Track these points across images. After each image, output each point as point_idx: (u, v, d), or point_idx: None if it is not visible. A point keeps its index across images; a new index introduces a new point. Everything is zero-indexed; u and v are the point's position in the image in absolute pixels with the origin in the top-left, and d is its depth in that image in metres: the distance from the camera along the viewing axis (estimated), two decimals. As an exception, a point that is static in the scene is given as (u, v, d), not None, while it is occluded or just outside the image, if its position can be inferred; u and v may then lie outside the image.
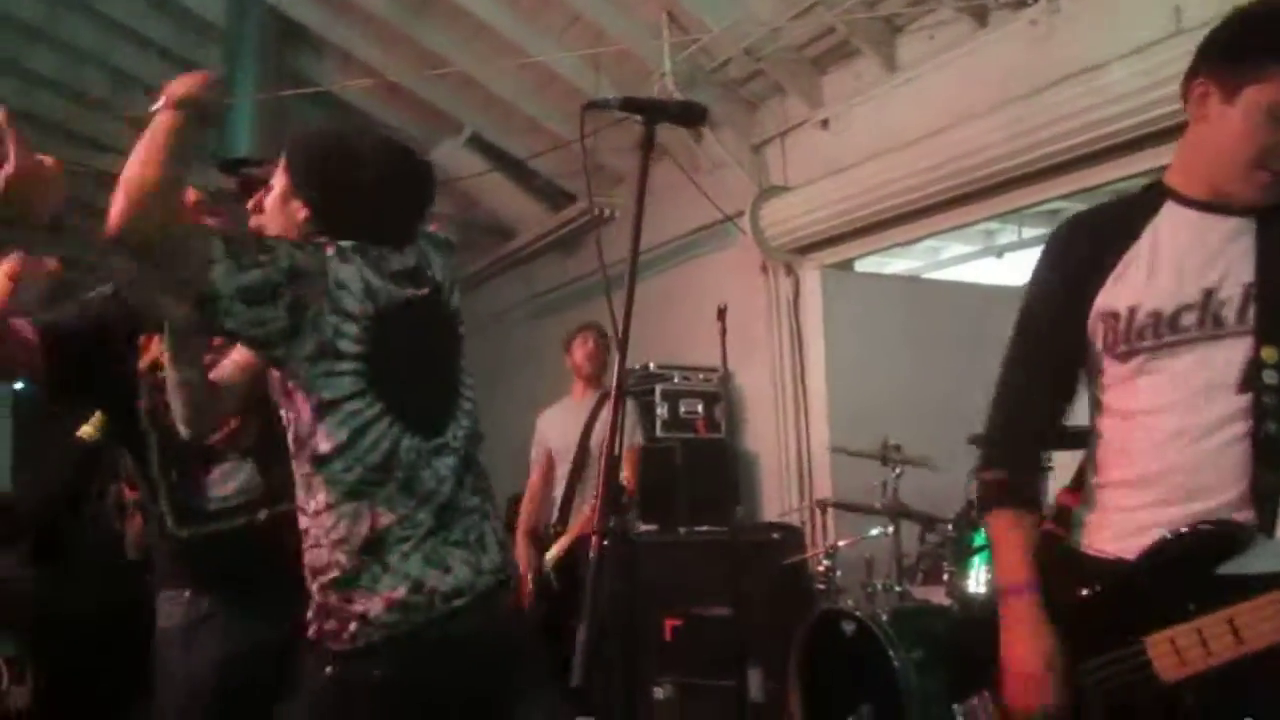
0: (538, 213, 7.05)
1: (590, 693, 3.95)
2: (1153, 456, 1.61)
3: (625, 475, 4.12)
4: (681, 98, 4.89)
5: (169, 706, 2.21)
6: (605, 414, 4.33)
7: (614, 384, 1.72)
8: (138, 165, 1.53)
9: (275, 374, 1.74)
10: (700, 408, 5.74)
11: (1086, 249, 1.71)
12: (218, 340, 2.13)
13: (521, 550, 4.58)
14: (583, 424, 4.59)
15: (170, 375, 1.97)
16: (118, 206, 1.50)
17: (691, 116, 1.93)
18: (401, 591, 1.66)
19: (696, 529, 5.28)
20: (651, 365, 5.77)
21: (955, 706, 1.75)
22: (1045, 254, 1.80)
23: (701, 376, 5.76)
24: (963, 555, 3.57)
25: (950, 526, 3.82)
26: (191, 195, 2.24)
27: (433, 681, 1.67)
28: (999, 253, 7.00)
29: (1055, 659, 1.63)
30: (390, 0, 5.62)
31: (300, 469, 1.71)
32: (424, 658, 1.66)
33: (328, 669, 1.67)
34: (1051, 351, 1.75)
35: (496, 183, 6.82)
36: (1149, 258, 1.64)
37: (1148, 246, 1.65)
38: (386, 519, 1.67)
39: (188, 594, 2.20)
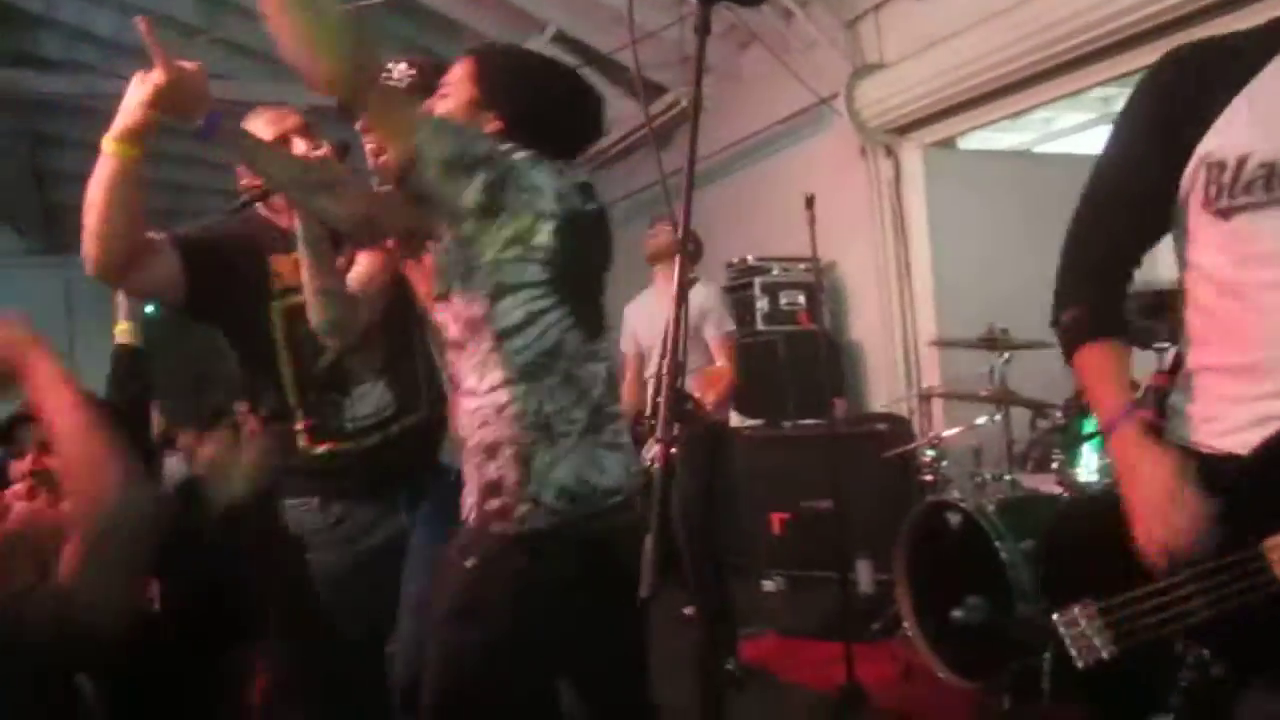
0: (629, 108, 6.90)
1: (700, 588, 4.01)
2: (1268, 338, 1.43)
3: (722, 365, 4.03)
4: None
5: (308, 608, 2.33)
6: (694, 297, 4.19)
7: (675, 286, 1.65)
8: (336, 42, 1.61)
9: (447, 260, 1.78)
10: (801, 299, 5.63)
11: (1192, 86, 1.50)
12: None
13: None
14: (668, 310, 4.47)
15: (309, 286, 2.08)
16: (308, 65, 1.59)
17: (750, -6, 1.81)
18: (571, 481, 1.72)
19: (801, 422, 5.23)
20: (750, 258, 5.66)
21: (1055, 617, 1.60)
22: (1141, 89, 1.59)
23: (802, 268, 5.62)
24: (1073, 442, 3.41)
25: (1060, 413, 3.66)
26: (294, 119, 2.34)
27: (580, 575, 1.71)
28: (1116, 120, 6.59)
29: (1185, 474, 1.45)
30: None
31: (473, 353, 1.76)
32: (582, 549, 1.71)
33: (470, 560, 1.69)
34: (1138, 193, 1.57)
35: (586, 80, 6.69)
36: (1266, 102, 1.43)
37: (1266, 89, 1.44)
38: (551, 405, 1.74)
39: (316, 501, 2.32)
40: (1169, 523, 1.45)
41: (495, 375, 1.74)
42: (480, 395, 1.76)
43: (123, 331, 3.22)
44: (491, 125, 1.81)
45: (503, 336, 1.74)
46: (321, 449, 2.31)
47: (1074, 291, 1.64)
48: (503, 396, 1.74)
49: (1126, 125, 1.61)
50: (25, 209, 7.83)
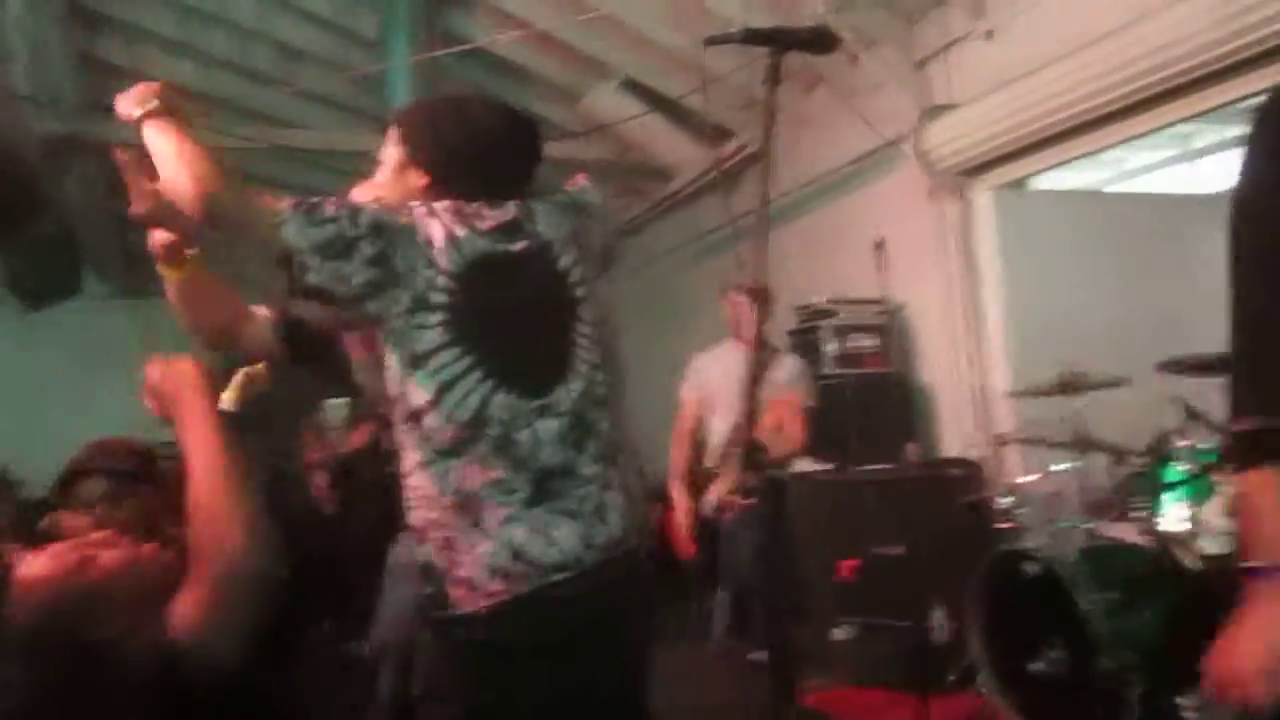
0: (695, 152, 6.94)
1: (771, 635, 3.95)
2: None
3: (786, 426, 4.00)
4: (833, 21, 4.68)
5: (385, 633, 2.62)
6: (772, 369, 4.21)
7: (752, 334, 1.65)
8: (169, 170, 1.67)
9: (367, 337, 1.79)
10: (870, 342, 5.56)
11: None
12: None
13: (677, 494, 4.54)
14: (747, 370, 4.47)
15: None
16: (183, 199, 1.63)
17: (822, 43, 1.81)
18: (502, 558, 1.62)
19: (871, 467, 5.15)
20: (817, 301, 5.62)
21: (1181, 701, 1.43)
22: (1262, 132, 1.40)
23: (871, 310, 5.57)
24: (1157, 490, 3.31)
25: (1141, 459, 3.56)
26: None
27: (526, 654, 1.63)
28: (1195, 158, 6.45)
29: None
30: (535, -51, 5.58)
31: (397, 430, 1.72)
32: (520, 629, 1.62)
33: (428, 635, 1.74)
34: None
35: (652, 125, 6.75)
36: None
37: None
38: (477, 479, 1.64)
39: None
40: (1249, 693, 1.30)
41: (414, 456, 1.68)
42: (406, 477, 1.71)
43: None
44: (419, 180, 1.81)
45: (416, 416, 1.66)
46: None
47: (1251, 399, 1.38)
48: (422, 479, 1.67)
49: (1263, 174, 1.41)
50: (107, 252, 8.06)
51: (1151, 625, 3.11)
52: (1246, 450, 1.36)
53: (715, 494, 4.45)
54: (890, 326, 5.45)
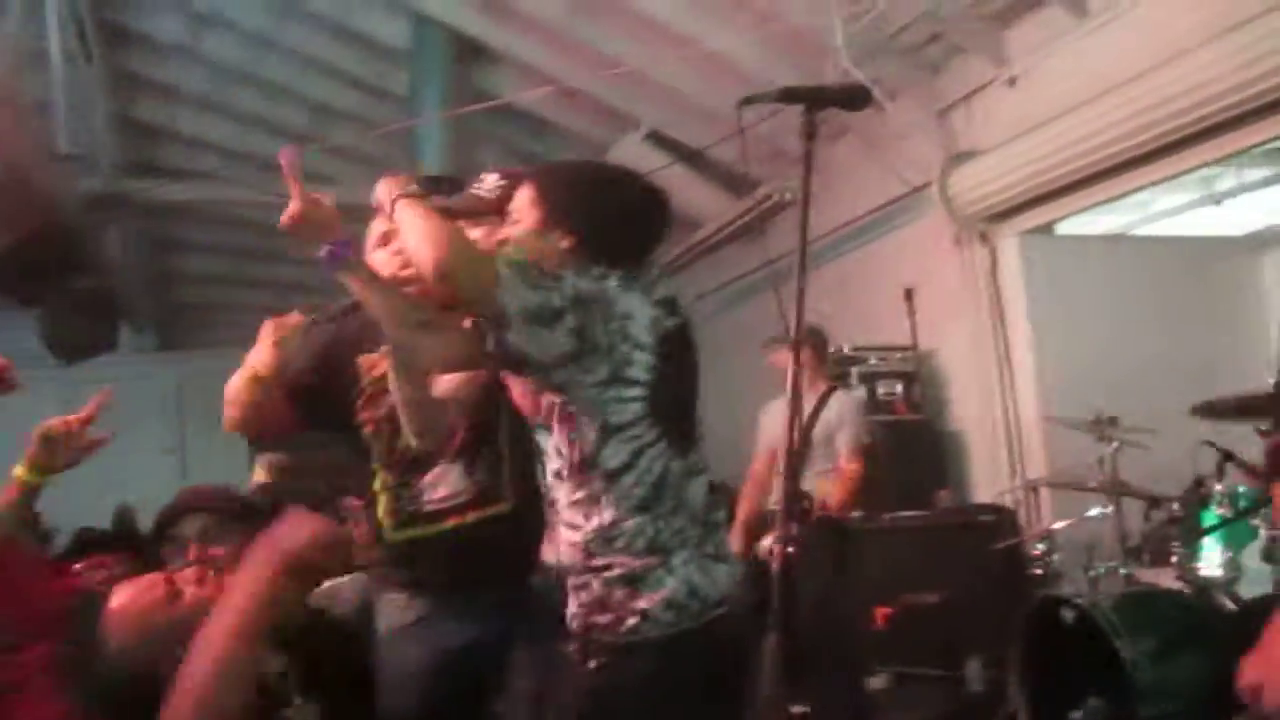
0: (721, 202, 7.01)
1: (805, 683, 3.92)
2: None
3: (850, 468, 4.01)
4: (856, 72, 4.75)
5: (386, 707, 2.25)
6: (834, 405, 4.25)
7: (789, 380, 1.68)
8: (414, 238, 1.74)
9: (549, 398, 1.80)
10: (899, 388, 5.57)
11: None
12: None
13: (736, 536, 4.53)
14: (809, 413, 4.48)
15: (398, 394, 2.08)
16: (423, 263, 1.71)
17: (855, 99, 1.85)
18: (681, 594, 1.74)
19: (902, 514, 5.13)
20: (845, 348, 5.64)
21: None
22: None
23: (899, 356, 5.58)
24: (1193, 535, 3.29)
25: (1177, 504, 3.54)
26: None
27: (691, 680, 1.74)
28: (1218, 200, 6.45)
29: None
30: (558, 5, 5.70)
31: (583, 487, 1.78)
32: (688, 656, 1.74)
33: (592, 662, 1.75)
34: None
35: (677, 176, 6.82)
36: None
37: None
38: (666, 531, 1.76)
39: (403, 598, 2.26)
40: None
41: (607, 514, 1.76)
42: (587, 530, 1.78)
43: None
44: (563, 242, 1.81)
45: (612, 477, 1.76)
46: (400, 535, 2.26)
47: None
48: (614, 532, 1.76)
49: None
50: (143, 308, 8.21)
51: (1193, 672, 3.07)
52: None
53: (770, 540, 4.45)
54: (919, 373, 5.46)
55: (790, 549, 1.58)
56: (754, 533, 4.52)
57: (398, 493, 2.26)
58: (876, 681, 5.07)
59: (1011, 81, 5.12)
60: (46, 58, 5.13)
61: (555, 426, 1.80)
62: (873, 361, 5.58)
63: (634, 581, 1.75)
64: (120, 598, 1.58)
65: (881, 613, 5.04)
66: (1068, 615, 3.42)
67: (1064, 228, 5.58)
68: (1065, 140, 4.68)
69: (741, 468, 4.70)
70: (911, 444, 5.20)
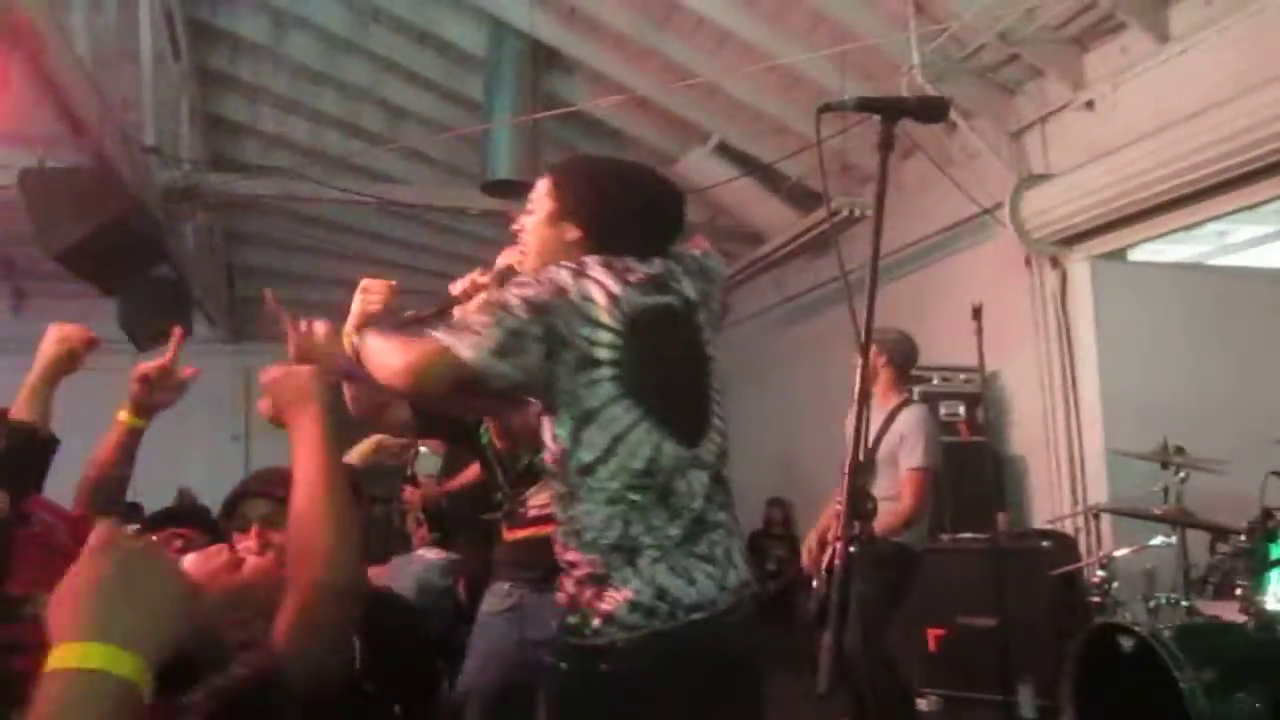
0: (787, 216, 7.01)
1: (857, 700, 3.90)
2: None
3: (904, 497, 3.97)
4: (931, 91, 4.74)
5: (464, 679, 2.66)
6: (899, 420, 4.17)
7: (857, 388, 1.69)
8: (383, 367, 1.78)
9: (538, 402, 1.82)
10: (962, 410, 5.53)
11: None
12: None
13: (812, 548, 4.51)
14: (878, 427, 4.41)
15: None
16: (395, 381, 1.76)
17: (933, 111, 1.85)
18: (646, 595, 1.69)
19: (960, 536, 5.09)
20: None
21: None
22: None
23: (962, 378, 5.54)
24: (1260, 568, 3.23)
25: (1244, 536, 3.47)
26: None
27: (661, 686, 1.69)
28: (1297, 233, 6.34)
29: None
30: (635, 17, 5.76)
31: (562, 484, 1.77)
32: (657, 662, 1.68)
33: (563, 664, 1.74)
34: None
35: (745, 188, 6.84)
36: None
37: None
38: (639, 527, 1.71)
39: (506, 586, 2.63)
40: None
41: (579, 508, 1.74)
42: (564, 523, 1.77)
43: None
44: (571, 234, 1.85)
45: (588, 470, 1.73)
46: (513, 537, 2.60)
47: None
48: (583, 525, 1.73)
49: None
50: (215, 299, 8.39)
51: (1253, 706, 3.02)
52: None
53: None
54: (984, 395, 5.41)
55: (852, 548, 1.56)
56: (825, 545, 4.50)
57: (513, 501, 2.61)
58: (926, 703, 5.03)
59: (1089, 105, 5.08)
60: (137, 53, 5.30)
61: (543, 423, 1.80)
62: (935, 382, 5.54)
63: (599, 580, 1.71)
64: (186, 564, 1.64)
65: (934, 634, 5.00)
66: (1126, 643, 3.38)
67: (1137, 254, 5.51)
68: (1141, 166, 4.63)
69: (802, 482, 4.69)
70: (972, 466, 5.14)
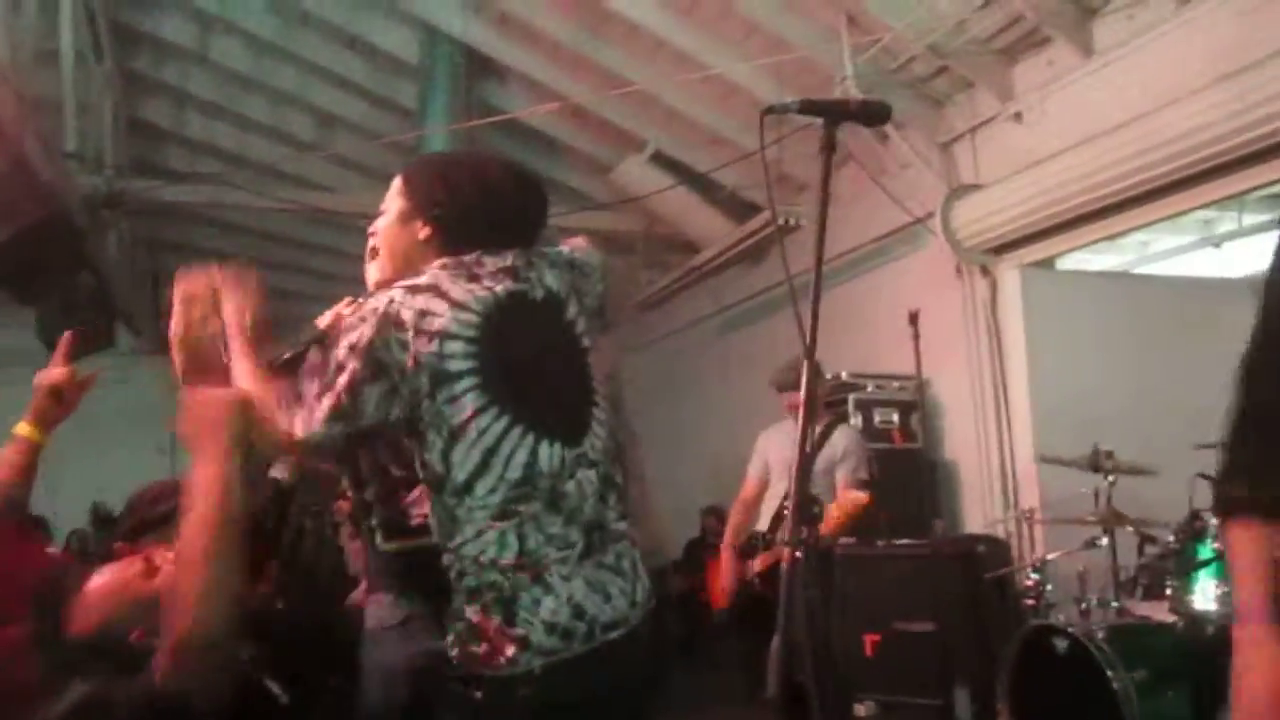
0: (723, 226, 7.05)
1: (791, 708, 3.90)
2: None
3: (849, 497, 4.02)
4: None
5: (370, 699, 2.43)
6: (830, 443, 4.24)
7: (803, 394, 1.69)
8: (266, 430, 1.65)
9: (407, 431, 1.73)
10: (896, 417, 5.59)
11: None
12: None
13: (726, 560, 4.55)
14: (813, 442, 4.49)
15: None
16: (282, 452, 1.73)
17: (874, 115, 1.87)
18: (564, 615, 1.60)
19: (895, 542, 5.13)
20: (843, 375, 5.65)
21: None
22: None
23: (896, 385, 5.60)
24: (1187, 568, 3.30)
25: (1172, 538, 3.55)
26: None
27: (583, 713, 1.63)
28: (1217, 243, 6.52)
29: None
30: (568, 24, 5.74)
31: (442, 508, 1.67)
32: (578, 686, 1.61)
33: (477, 693, 1.61)
34: None
35: (681, 198, 6.86)
36: None
37: None
38: (536, 538, 1.62)
39: (389, 599, 2.41)
40: None
41: (467, 530, 1.62)
42: (454, 551, 1.66)
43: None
44: (422, 232, 1.77)
45: (466, 489, 1.62)
46: (389, 546, 2.39)
47: (1241, 468, 1.48)
48: (478, 548, 1.62)
49: None
50: (139, 308, 8.18)
51: (1183, 704, 3.08)
52: (1233, 506, 1.46)
53: (761, 562, 4.44)
54: (917, 402, 5.47)
55: (799, 554, 1.56)
56: (742, 555, 4.53)
57: (386, 505, 2.38)
58: (864, 709, 5.06)
59: (1017, 116, 5.18)
60: (58, 55, 5.15)
61: (417, 450, 1.69)
62: (870, 389, 5.59)
63: (507, 604, 1.60)
64: (98, 578, 1.60)
65: (871, 639, 5.03)
66: (1060, 645, 3.43)
67: (1064, 263, 5.63)
68: (1067, 177, 4.73)
69: (737, 490, 4.71)
70: (906, 473, 5.20)
